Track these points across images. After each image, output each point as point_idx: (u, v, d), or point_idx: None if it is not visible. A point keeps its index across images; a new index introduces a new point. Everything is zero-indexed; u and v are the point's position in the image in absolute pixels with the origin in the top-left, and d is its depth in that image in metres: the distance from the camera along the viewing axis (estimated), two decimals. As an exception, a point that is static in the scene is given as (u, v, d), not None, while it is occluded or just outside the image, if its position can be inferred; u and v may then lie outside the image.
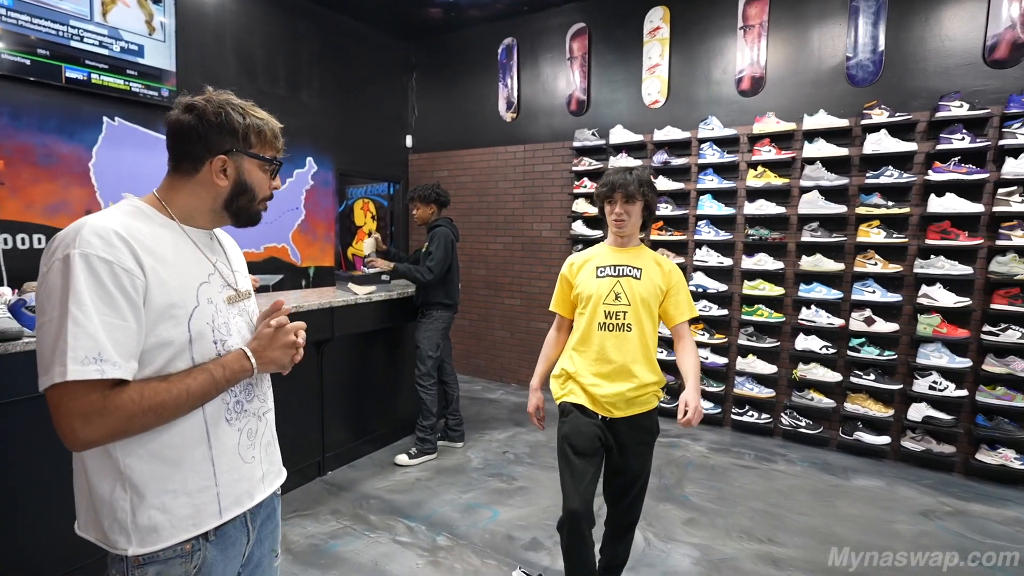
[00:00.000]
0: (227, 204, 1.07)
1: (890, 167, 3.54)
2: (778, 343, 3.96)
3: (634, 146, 4.50)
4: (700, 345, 4.21)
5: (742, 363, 4.06)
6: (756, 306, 4.01)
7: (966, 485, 3.31)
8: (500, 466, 3.46)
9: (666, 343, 4.11)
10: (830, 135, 3.74)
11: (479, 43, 5.35)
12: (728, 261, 4.11)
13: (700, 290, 4.16)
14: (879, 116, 3.53)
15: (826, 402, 3.78)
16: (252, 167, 1.07)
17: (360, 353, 3.55)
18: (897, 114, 3.49)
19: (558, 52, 4.93)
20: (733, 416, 4.13)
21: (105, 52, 3.40)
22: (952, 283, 3.40)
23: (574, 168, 4.75)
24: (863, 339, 3.66)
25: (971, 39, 3.36)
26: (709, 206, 4.13)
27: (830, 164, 3.73)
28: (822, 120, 3.72)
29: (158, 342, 0.93)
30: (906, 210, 3.51)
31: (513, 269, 5.29)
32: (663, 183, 4.29)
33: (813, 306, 3.80)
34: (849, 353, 3.69)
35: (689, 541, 2.64)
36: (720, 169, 4.13)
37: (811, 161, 3.77)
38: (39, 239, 3.25)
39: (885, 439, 3.59)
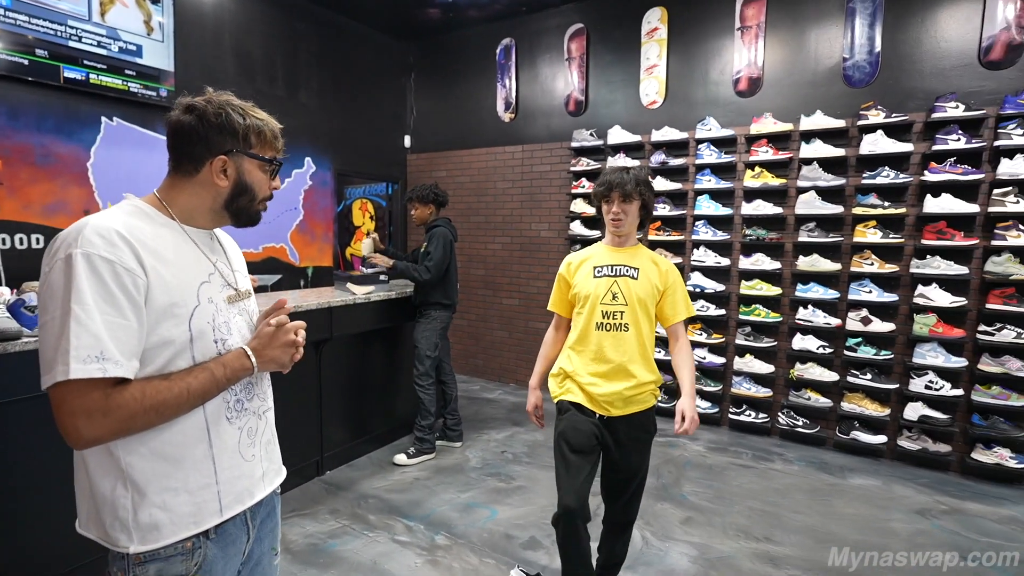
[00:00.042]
0: (227, 204, 1.07)
1: (886, 168, 3.55)
2: (775, 343, 3.98)
3: (632, 146, 4.52)
4: (698, 345, 4.22)
5: (739, 363, 4.08)
6: (753, 306, 4.02)
7: (962, 484, 3.33)
8: (498, 465, 3.47)
9: (661, 342, 4.12)
10: (827, 136, 3.76)
11: (477, 43, 5.36)
12: (726, 261, 4.12)
13: (698, 290, 4.17)
14: (875, 117, 3.55)
15: (823, 401, 3.80)
16: (252, 167, 1.07)
17: (358, 353, 3.56)
18: (893, 115, 3.51)
19: (556, 52, 4.94)
20: (731, 416, 4.15)
21: (103, 52, 3.40)
22: (948, 283, 3.42)
23: (572, 168, 4.76)
24: (860, 339, 3.68)
25: (967, 40, 3.38)
26: (707, 206, 4.15)
27: (827, 165, 3.75)
28: (819, 121, 3.73)
29: (159, 341, 0.94)
30: (902, 210, 3.53)
31: (511, 269, 5.30)
32: (661, 183, 4.30)
33: (810, 306, 3.81)
34: (846, 353, 3.71)
35: (687, 540, 2.66)
36: (717, 170, 4.15)
37: (808, 162, 3.79)
38: (37, 239, 3.25)
39: (881, 438, 3.61)
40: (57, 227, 3.32)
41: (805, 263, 3.80)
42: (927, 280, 3.46)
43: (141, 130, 3.70)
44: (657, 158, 4.33)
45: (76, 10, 3.27)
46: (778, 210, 3.90)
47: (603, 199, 1.98)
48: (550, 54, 4.98)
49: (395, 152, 5.85)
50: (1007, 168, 3.21)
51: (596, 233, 4.64)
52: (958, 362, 3.37)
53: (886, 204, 3.57)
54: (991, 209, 3.26)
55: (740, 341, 4.06)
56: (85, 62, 3.33)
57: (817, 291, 3.78)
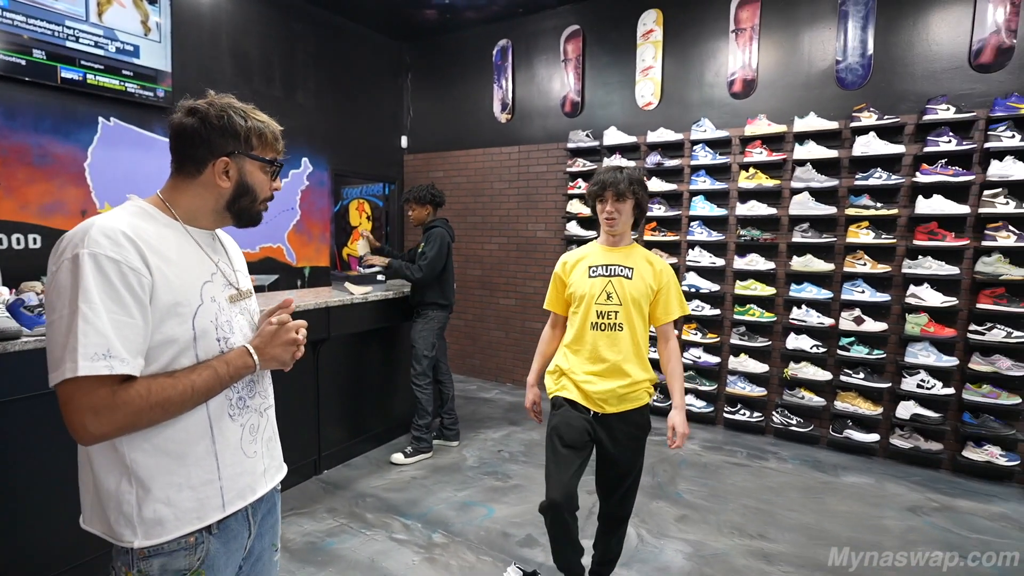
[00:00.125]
0: (229, 205, 1.09)
1: (879, 169, 3.59)
2: (769, 342, 4.01)
3: (628, 147, 4.55)
4: (693, 344, 4.26)
5: (734, 362, 4.11)
6: (748, 306, 4.06)
7: (953, 481, 3.37)
8: (495, 464, 3.49)
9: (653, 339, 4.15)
10: (820, 137, 3.80)
11: (474, 44, 5.38)
12: (720, 261, 4.15)
13: (693, 290, 4.20)
14: (868, 119, 3.59)
15: (816, 400, 3.84)
16: (253, 169, 1.09)
17: (356, 353, 3.57)
18: (885, 117, 3.55)
19: (552, 54, 4.96)
20: (725, 415, 4.18)
21: (100, 53, 3.41)
22: (939, 283, 3.46)
23: (568, 169, 4.78)
24: (853, 338, 3.72)
25: (957, 43, 3.42)
26: (701, 207, 4.18)
27: (820, 166, 3.79)
28: (812, 122, 3.77)
29: (164, 339, 0.96)
30: (894, 211, 3.57)
31: (508, 269, 5.32)
32: (656, 184, 4.34)
33: (804, 306, 3.85)
34: (839, 352, 3.74)
35: (682, 537, 2.68)
36: (712, 170, 4.18)
37: (802, 163, 3.82)
38: (34, 239, 3.25)
39: (874, 437, 3.65)
40: (54, 227, 3.32)
41: (799, 263, 3.84)
42: (919, 280, 3.51)
43: (138, 130, 3.71)
44: (653, 159, 4.36)
45: (73, 10, 3.27)
46: (772, 211, 3.93)
47: (597, 198, 2.00)
48: (546, 55, 5.00)
49: (392, 152, 5.87)
50: (997, 170, 3.25)
51: (592, 233, 4.66)
52: (949, 361, 3.41)
53: (878, 205, 3.61)
54: (981, 210, 3.30)
55: (735, 340, 4.09)
56: (82, 62, 3.34)
57: (811, 291, 3.82)
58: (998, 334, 3.27)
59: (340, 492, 3.09)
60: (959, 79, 3.43)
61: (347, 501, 2.99)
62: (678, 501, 3.05)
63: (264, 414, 1.16)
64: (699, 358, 4.23)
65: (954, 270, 3.40)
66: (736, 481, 3.31)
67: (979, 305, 3.32)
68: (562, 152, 4.91)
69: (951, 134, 3.37)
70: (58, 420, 2.05)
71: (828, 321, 3.77)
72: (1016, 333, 3.23)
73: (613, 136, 4.55)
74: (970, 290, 3.42)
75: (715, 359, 4.20)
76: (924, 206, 3.44)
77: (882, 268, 3.61)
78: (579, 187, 4.75)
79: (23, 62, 3.10)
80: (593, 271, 2.00)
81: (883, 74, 3.64)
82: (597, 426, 1.97)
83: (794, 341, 3.87)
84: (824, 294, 3.79)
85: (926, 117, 3.42)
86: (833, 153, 3.73)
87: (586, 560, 2.29)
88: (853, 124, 3.64)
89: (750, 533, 2.73)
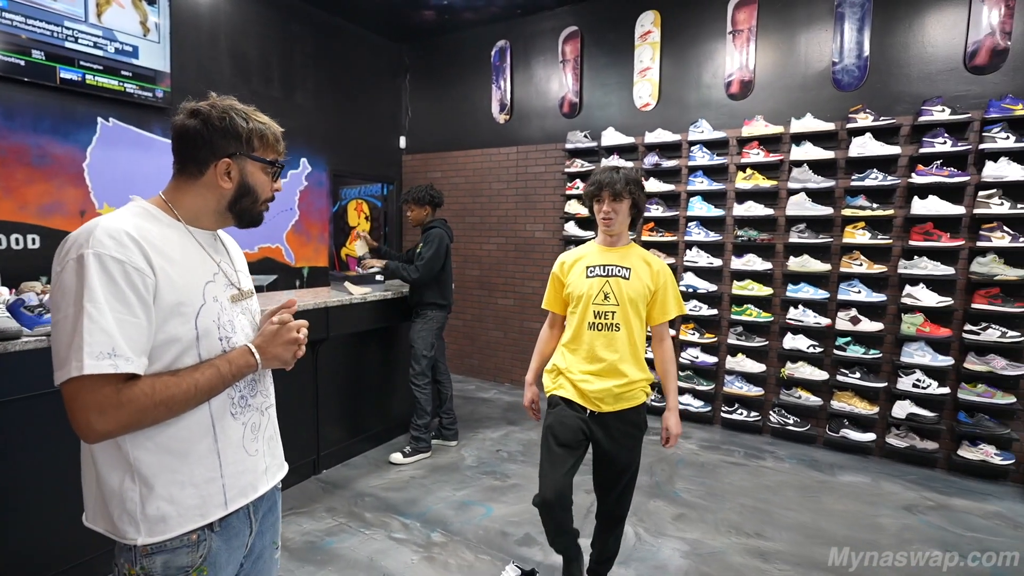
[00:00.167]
0: (231, 206, 1.10)
1: (875, 170, 3.62)
2: (767, 342, 4.03)
3: (625, 148, 4.56)
4: (690, 344, 4.28)
5: (731, 362, 4.13)
6: (745, 306, 4.08)
7: (949, 480, 3.40)
8: (493, 464, 3.51)
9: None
10: (817, 138, 3.82)
11: (472, 45, 5.40)
12: (718, 262, 4.17)
13: (690, 290, 4.22)
14: (864, 120, 3.61)
15: (813, 400, 3.86)
16: (255, 170, 1.10)
17: (355, 353, 3.58)
18: (881, 118, 3.58)
19: (551, 55, 4.98)
20: (723, 414, 4.20)
21: (99, 53, 3.41)
22: (935, 283, 3.49)
23: (566, 170, 4.80)
24: (849, 338, 3.74)
25: (953, 45, 3.45)
26: (699, 207, 4.20)
27: (817, 167, 3.81)
28: (809, 124, 3.79)
29: (167, 339, 0.97)
30: (890, 212, 3.59)
31: (506, 269, 5.34)
32: (654, 185, 4.35)
33: (801, 306, 3.87)
34: (835, 352, 3.77)
35: (679, 536, 2.70)
36: (710, 171, 4.20)
37: (798, 164, 3.84)
38: (33, 239, 3.25)
39: (870, 436, 3.67)
40: (53, 228, 3.33)
41: (795, 264, 3.86)
42: (914, 280, 3.53)
43: (137, 131, 3.71)
44: (650, 160, 4.38)
45: (72, 11, 3.27)
46: (769, 211, 3.96)
47: (594, 199, 2.02)
48: (544, 56, 5.02)
49: (390, 153, 5.88)
50: (991, 171, 3.27)
51: (590, 234, 4.68)
52: (945, 361, 3.43)
53: (874, 206, 3.64)
54: (976, 211, 3.33)
55: (732, 340, 4.11)
56: (81, 63, 3.34)
57: (807, 291, 3.84)
58: (993, 334, 3.30)
59: (339, 491, 3.10)
60: (954, 81, 3.46)
61: (346, 500, 3.00)
62: (676, 500, 3.07)
63: (265, 413, 1.18)
64: (696, 358, 4.25)
65: (949, 270, 3.42)
66: (733, 480, 3.33)
67: (974, 305, 3.35)
68: (560, 153, 4.92)
69: (946, 135, 3.39)
70: (59, 419, 2.06)
71: (825, 321, 3.80)
72: (1011, 333, 3.26)
73: (611, 137, 4.57)
74: (965, 290, 3.44)
75: (712, 359, 4.22)
76: (920, 207, 3.46)
77: (878, 268, 3.63)
78: (577, 187, 4.77)
79: (22, 62, 3.11)
80: (591, 271, 2.02)
81: (879, 76, 3.67)
82: (594, 425, 1.99)
83: (791, 341, 3.89)
84: (821, 294, 3.81)
85: (922, 118, 3.44)
86: (829, 154, 3.75)
87: (584, 558, 2.31)
88: (849, 125, 3.67)
89: (747, 532, 2.75)
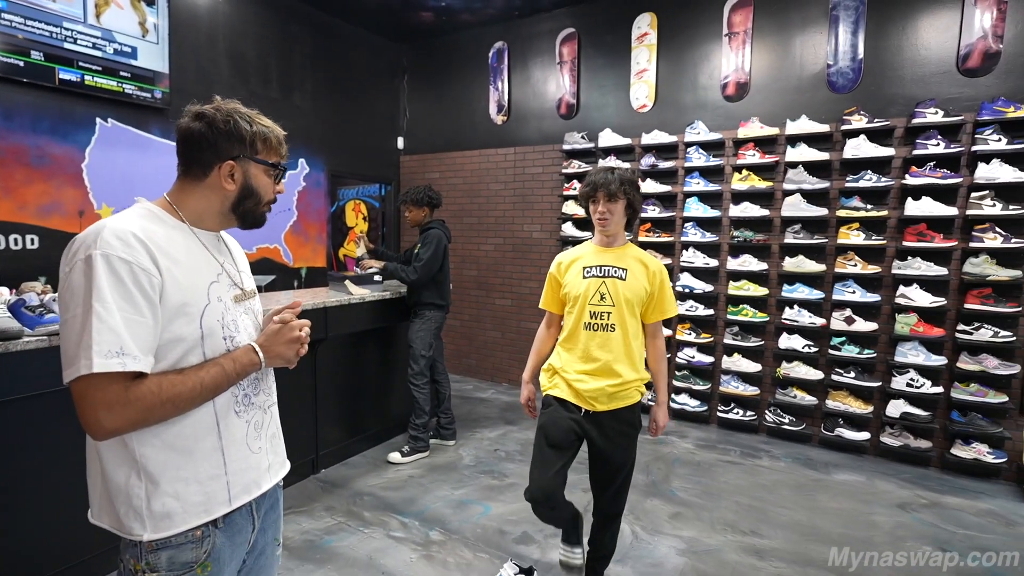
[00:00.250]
0: (234, 207, 1.12)
1: (869, 171, 3.65)
2: (762, 342, 4.06)
3: (622, 149, 4.59)
4: (687, 344, 4.31)
5: (727, 362, 4.16)
6: (741, 306, 4.11)
7: (942, 479, 3.43)
8: (491, 463, 3.53)
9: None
10: (812, 140, 3.85)
11: (470, 46, 5.42)
12: (714, 262, 4.20)
13: (687, 290, 4.25)
14: (858, 122, 3.65)
15: (808, 399, 3.89)
16: (258, 172, 1.12)
17: (354, 353, 3.60)
18: (875, 120, 3.61)
19: (548, 56, 5.01)
20: (719, 414, 4.23)
21: (98, 54, 3.42)
22: (928, 284, 3.52)
23: (564, 171, 4.82)
24: (844, 338, 3.78)
25: (946, 48, 3.49)
26: (695, 208, 4.23)
27: (812, 168, 3.85)
28: (804, 125, 3.83)
29: (172, 338, 0.98)
30: (884, 213, 3.63)
31: (504, 270, 5.36)
32: (651, 186, 4.38)
33: (796, 306, 3.90)
34: (830, 352, 3.80)
35: (675, 534, 2.72)
36: (706, 172, 4.23)
37: (793, 165, 3.88)
38: (32, 239, 3.26)
39: (865, 435, 3.71)
40: (52, 228, 3.34)
41: (791, 264, 3.90)
42: (908, 281, 3.56)
43: (136, 131, 3.72)
44: (647, 161, 4.41)
45: (71, 12, 3.28)
46: (765, 212, 3.99)
47: (589, 199, 2.04)
48: (542, 58, 5.04)
49: (388, 153, 5.90)
50: (984, 172, 3.31)
51: (588, 234, 4.70)
52: (938, 360, 3.47)
53: (869, 207, 3.67)
54: (969, 212, 3.36)
55: (728, 340, 4.14)
56: (80, 64, 3.35)
57: (802, 291, 3.88)
58: (985, 334, 3.33)
59: (338, 491, 3.12)
60: (947, 83, 3.49)
61: (345, 500, 3.01)
62: (672, 499, 3.09)
63: (268, 411, 1.19)
64: (693, 358, 4.28)
65: (942, 271, 3.46)
66: (729, 479, 3.36)
67: (967, 305, 3.38)
68: (557, 154, 4.95)
69: (939, 137, 3.43)
70: (60, 419, 2.08)
71: (820, 321, 3.83)
72: (1003, 333, 3.29)
73: (608, 138, 4.59)
74: (958, 290, 3.48)
75: (709, 359, 4.25)
76: (913, 208, 3.50)
77: (872, 269, 3.67)
78: (574, 188, 4.79)
79: (21, 63, 3.11)
80: (587, 272, 2.03)
81: (873, 78, 3.70)
82: (588, 423, 2.01)
83: (786, 341, 3.92)
84: (816, 294, 3.84)
85: (915, 120, 3.48)
86: (824, 155, 3.78)
87: (584, 526, 2.32)
88: (844, 127, 3.70)
89: (743, 530, 2.78)
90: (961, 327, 3.42)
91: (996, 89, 3.36)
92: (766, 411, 4.05)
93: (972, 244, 3.37)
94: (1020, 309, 3.26)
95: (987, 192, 3.31)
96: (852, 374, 3.73)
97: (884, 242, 3.63)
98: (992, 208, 3.29)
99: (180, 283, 0.99)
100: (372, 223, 6.39)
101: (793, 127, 3.86)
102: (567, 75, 4.90)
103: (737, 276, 4.12)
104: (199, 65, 4.07)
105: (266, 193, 1.15)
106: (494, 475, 3.35)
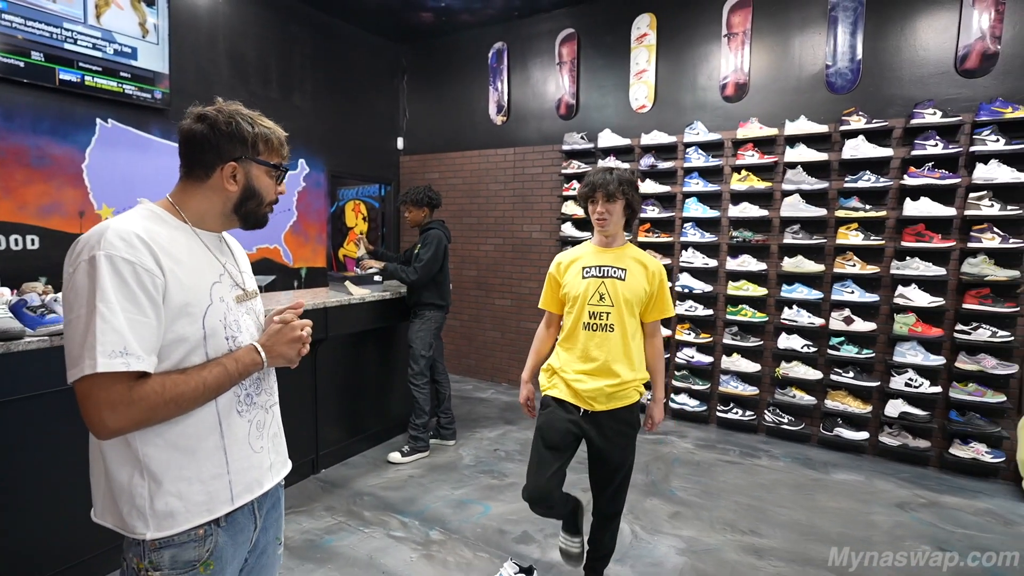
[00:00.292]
0: (237, 208, 1.13)
1: (867, 172, 3.66)
2: (761, 342, 4.07)
3: (622, 150, 4.60)
4: (686, 344, 4.32)
5: (727, 361, 4.17)
6: (740, 306, 4.12)
7: (940, 478, 3.44)
8: (491, 463, 3.53)
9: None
10: (810, 140, 3.86)
11: (470, 47, 5.43)
12: (713, 262, 4.21)
13: (686, 291, 4.26)
14: (857, 122, 3.66)
15: (807, 399, 3.90)
16: (260, 173, 1.13)
17: (354, 353, 3.61)
18: (874, 121, 3.62)
19: (548, 57, 5.01)
20: (718, 413, 4.24)
21: (98, 55, 3.42)
22: (926, 284, 3.53)
23: (563, 171, 4.83)
24: (842, 338, 3.79)
25: (944, 49, 3.50)
26: (694, 209, 4.24)
27: (811, 168, 3.86)
28: (803, 126, 3.84)
29: (175, 338, 0.99)
30: (883, 213, 3.64)
31: (504, 270, 5.37)
32: (650, 186, 4.39)
33: (795, 306, 3.91)
34: (829, 352, 3.81)
35: (675, 533, 2.73)
36: (705, 173, 4.24)
37: (792, 165, 3.89)
38: (32, 240, 3.26)
39: (863, 434, 3.72)
40: (52, 228, 3.34)
41: (790, 264, 3.91)
42: (907, 281, 3.58)
43: (136, 132, 3.73)
44: (646, 161, 4.41)
45: (71, 13, 3.29)
46: (764, 212, 4.00)
47: (588, 200, 2.04)
48: (541, 58, 5.05)
49: (388, 154, 5.90)
50: (982, 173, 3.32)
51: (587, 235, 4.71)
52: (936, 360, 3.48)
53: (867, 207, 3.68)
54: (967, 212, 3.37)
55: (727, 340, 4.15)
56: (80, 64, 3.35)
57: (801, 291, 3.89)
58: (983, 333, 3.35)
59: (338, 490, 3.12)
60: (945, 84, 3.51)
61: (345, 499, 3.02)
62: (671, 498, 3.10)
63: (270, 411, 1.20)
64: (692, 358, 4.29)
65: (941, 271, 3.47)
66: (728, 479, 3.37)
67: (965, 305, 3.39)
68: (557, 154, 4.96)
69: (938, 138, 3.44)
70: (61, 418, 2.09)
71: (818, 321, 3.84)
72: (1001, 333, 3.31)
73: (607, 138, 4.60)
74: (956, 290, 3.49)
75: (708, 359, 4.26)
76: (912, 208, 3.51)
77: (871, 269, 3.68)
78: (574, 189, 4.80)
79: (21, 64, 3.12)
80: (587, 272, 2.04)
81: (872, 79, 3.71)
82: (587, 423, 2.02)
83: (785, 341, 3.93)
84: (814, 294, 3.85)
85: (913, 121, 3.49)
86: (823, 156, 3.79)
87: (583, 516, 2.33)
88: (842, 128, 3.71)
89: (742, 529, 2.79)
90: (959, 327, 3.44)
91: (994, 90, 3.37)
92: (765, 411, 4.06)
93: (970, 244, 3.38)
94: (1018, 309, 3.27)
95: (985, 192, 3.32)
96: (851, 374, 3.74)
97: (883, 242, 3.64)
98: (990, 208, 3.30)
99: (183, 283, 1.00)
100: (372, 223, 6.39)
101: (792, 128, 3.87)
102: (566, 75, 4.91)
103: (736, 276, 4.13)
104: (199, 66, 4.07)
105: (268, 194, 1.16)
106: (494, 475, 3.36)
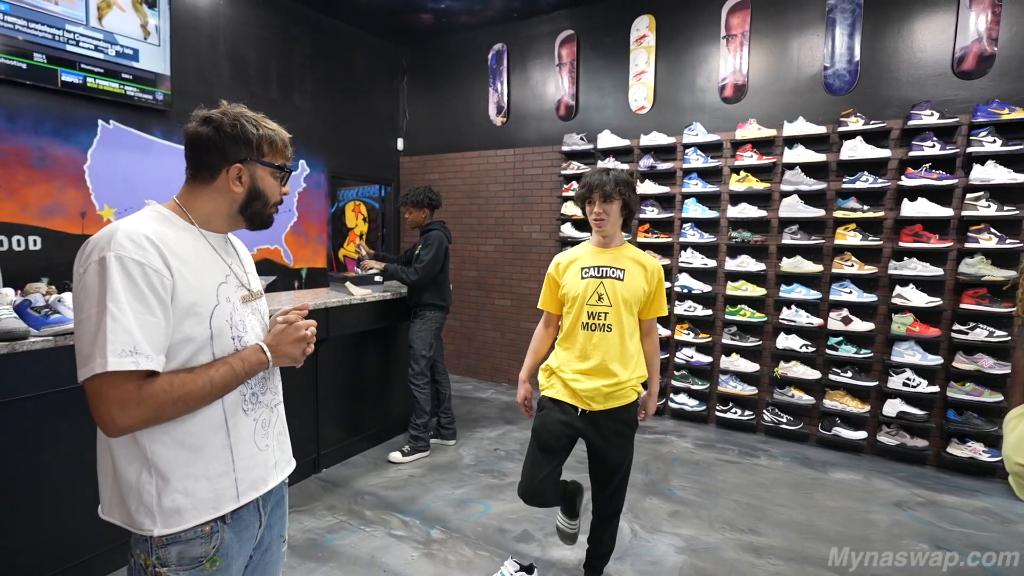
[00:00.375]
0: (242, 209, 1.14)
1: (865, 172, 3.68)
2: (760, 342, 4.09)
3: (621, 151, 4.62)
4: (685, 344, 4.34)
5: (726, 361, 4.19)
6: (739, 306, 4.14)
7: (938, 477, 3.46)
8: (491, 463, 3.55)
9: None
10: (809, 141, 3.88)
11: (469, 48, 5.44)
12: (712, 263, 4.23)
13: (685, 291, 4.28)
14: (855, 124, 3.68)
15: (806, 399, 3.92)
16: (265, 174, 1.14)
17: (354, 353, 3.62)
18: (872, 122, 3.64)
19: (547, 58, 5.03)
20: (717, 413, 4.26)
21: (100, 56, 3.44)
22: (924, 284, 3.55)
23: (563, 172, 4.85)
24: (841, 338, 3.81)
25: (941, 51, 3.52)
26: (694, 209, 4.26)
27: (809, 169, 3.88)
28: (801, 127, 3.86)
29: (183, 338, 1.01)
30: (880, 214, 3.66)
31: (503, 271, 5.38)
32: (649, 187, 4.41)
33: (793, 306, 3.93)
34: (828, 351, 3.83)
35: (674, 532, 2.75)
36: (704, 173, 4.26)
37: (791, 166, 3.91)
38: (34, 240, 3.27)
39: (862, 434, 3.74)
40: (54, 229, 3.35)
41: (788, 265, 3.92)
42: (904, 281, 3.60)
43: (137, 133, 3.74)
44: (645, 162, 4.43)
45: (73, 14, 3.30)
46: (762, 213, 4.02)
47: (585, 200, 2.07)
48: (541, 59, 5.07)
49: (388, 155, 5.92)
50: (979, 174, 3.34)
51: (587, 235, 4.73)
52: (934, 360, 3.50)
53: (865, 208, 3.70)
54: (964, 213, 3.40)
55: (726, 340, 4.17)
56: (82, 66, 3.37)
57: (800, 292, 3.91)
58: (981, 333, 3.37)
59: (339, 490, 3.14)
60: (943, 85, 3.53)
61: (346, 499, 3.03)
62: (671, 497, 3.12)
63: (275, 409, 1.22)
64: (691, 358, 4.31)
65: (938, 271, 3.49)
66: (727, 478, 3.38)
67: (962, 305, 3.41)
68: (557, 155, 4.98)
69: (935, 139, 3.46)
70: (66, 418, 2.10)
71: (817, 321, 3.86)
72: (998, 332, 3.33)
73: (607, 139, 4.62)
74: (954, 291, 3.51)
75: (707, 359, 4.28)
76: (909, 209, 3.53)
77: (869, 269, 3.70)
78: (574, 189, 4.81)
79: (24, 65, 3.13)
80: (585, 272, 2.06)
81: (869, 80, 3.74)
82: (585, 423, 2.04)
83: (784, 341, 3.95)
84: (813, 295, 3.87)
85: (911, 122, 3.51)
86: (821, 157, 3.81)
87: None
88: (841, 129, 3.73)
89: (741, 528, 2.80)
90: (957, 327, 3.46)
91: (991, 91, 3.39)
92: (764, 410, 4.07)
93: (967, 245, 3.40)
94: (1015, 309, 3.29)
95: (982, 193, 3.34)
96: (849, 374, 3.75)
97: (880, 243, 3.67)
98: (987, 209, 3.32)
99: (190, 284, 1.02)
100: (372, 224, 6.41)
101: (790, 129, 3.89)
102: (566, 77, 4.93)
103: (735, 276, 4.15)
104: (200, 67, 4.09)
105: (273, 195, 1.17)
106: (494, 474, 3.38)
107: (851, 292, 3.74)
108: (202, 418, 1.04)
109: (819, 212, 3.82)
